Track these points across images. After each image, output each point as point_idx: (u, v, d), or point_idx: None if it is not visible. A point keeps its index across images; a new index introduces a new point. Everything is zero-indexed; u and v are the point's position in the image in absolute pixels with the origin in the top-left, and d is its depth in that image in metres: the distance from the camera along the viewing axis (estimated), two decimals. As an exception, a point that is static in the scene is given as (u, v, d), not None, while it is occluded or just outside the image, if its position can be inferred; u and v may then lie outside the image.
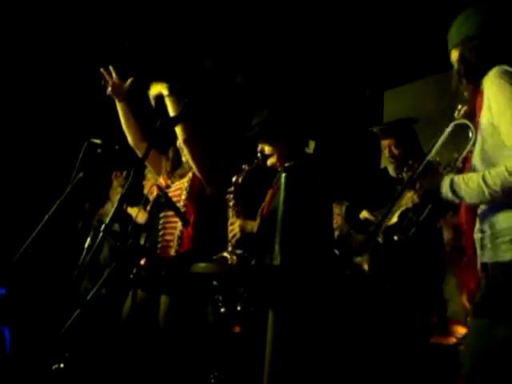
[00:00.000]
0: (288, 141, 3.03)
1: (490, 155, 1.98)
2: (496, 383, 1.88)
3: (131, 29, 5.44)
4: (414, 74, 5.64)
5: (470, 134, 2.06)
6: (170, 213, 3.20)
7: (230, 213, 3.13)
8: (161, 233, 3.31)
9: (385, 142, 3.61)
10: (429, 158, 2.17)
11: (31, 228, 2.87)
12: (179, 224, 3.20)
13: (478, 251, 2.04)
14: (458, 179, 2.00)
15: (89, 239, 3.03)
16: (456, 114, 2.15)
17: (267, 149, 3.05)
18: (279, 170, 3.07)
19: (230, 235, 3.08)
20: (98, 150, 3.04)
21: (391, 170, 3.66)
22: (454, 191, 2.01)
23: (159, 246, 3.30)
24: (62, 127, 5.71)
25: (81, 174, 2.98)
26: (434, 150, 2.17)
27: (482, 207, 2.02)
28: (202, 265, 2.29)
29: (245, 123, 3.18)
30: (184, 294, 3.13)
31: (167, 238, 3.30)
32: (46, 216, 2.91)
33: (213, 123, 3.46)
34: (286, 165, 3.01)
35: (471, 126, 2.07)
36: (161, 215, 3.33)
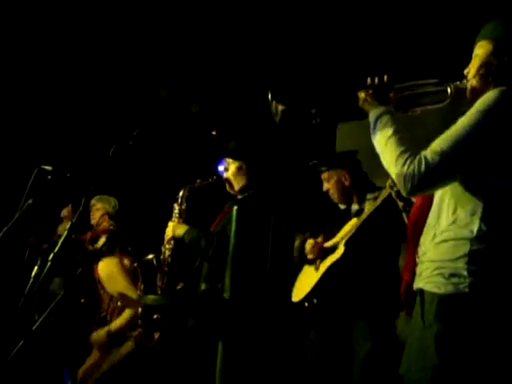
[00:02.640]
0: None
1: None
2: None
3: (85, 56, 5.40)
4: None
5: (449, 90, 1.93)
6: None
7: (173, 217, 3.32)
8: None
9: (324, 175, 3.49)
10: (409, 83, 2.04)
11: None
12: None
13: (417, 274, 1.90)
14: (389, 124, 1.87)
15: (36, 267, 2.97)
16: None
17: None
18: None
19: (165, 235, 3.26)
20: (49, 177, 3.00)
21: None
22: (375, 123, 1.91)
23: None
24: (12, 153, 5.59)
25: (30, 201, 2.92)
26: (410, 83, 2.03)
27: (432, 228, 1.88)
28: (151, 297, 2.28)
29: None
30: None
31: None
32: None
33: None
34: (239, 197, 3.05)
35: (452, 86, 1.93)
36: None
